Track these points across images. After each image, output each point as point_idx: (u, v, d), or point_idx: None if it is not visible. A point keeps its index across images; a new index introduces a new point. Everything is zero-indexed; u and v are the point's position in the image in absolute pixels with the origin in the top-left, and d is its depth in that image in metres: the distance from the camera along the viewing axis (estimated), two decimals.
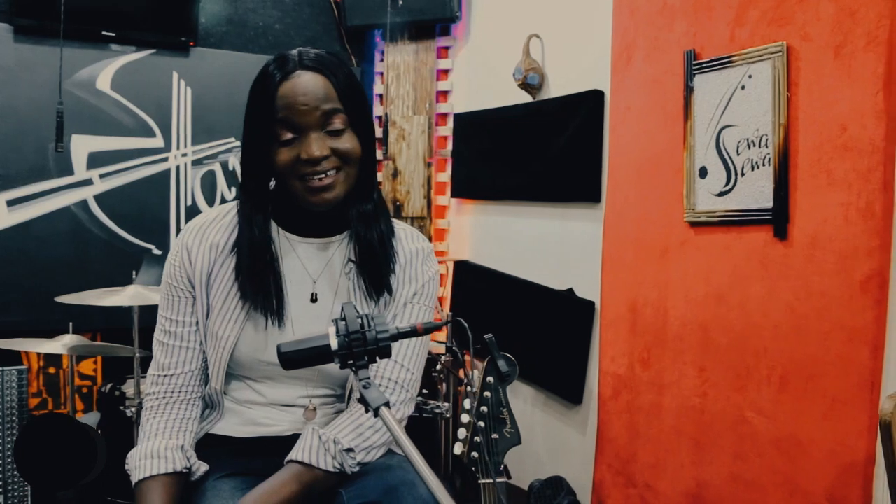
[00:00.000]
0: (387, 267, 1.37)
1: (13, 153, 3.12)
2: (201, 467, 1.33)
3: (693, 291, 2.28)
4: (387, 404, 0.98)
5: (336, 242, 1.40)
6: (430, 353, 2.77)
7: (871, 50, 1.81)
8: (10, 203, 3.13)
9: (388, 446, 1.34)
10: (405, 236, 1.43)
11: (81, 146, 3.26)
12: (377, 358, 1.04)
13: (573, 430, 2.87)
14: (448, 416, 2.72)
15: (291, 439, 1.32)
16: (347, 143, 1.29)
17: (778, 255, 2.03)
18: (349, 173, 1.31)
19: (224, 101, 3.44)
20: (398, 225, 1.45)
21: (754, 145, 2.08)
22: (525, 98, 3.06)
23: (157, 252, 3.39)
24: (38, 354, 3.18)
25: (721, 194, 2.18)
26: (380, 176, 3.74)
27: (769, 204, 2.03)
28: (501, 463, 1.20)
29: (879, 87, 1.79)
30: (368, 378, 1.01)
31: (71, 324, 2.66)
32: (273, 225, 1.39)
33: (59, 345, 2.53)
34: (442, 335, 3.25)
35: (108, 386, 2.73)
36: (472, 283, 3.42)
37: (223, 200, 3.51)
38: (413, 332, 1.05)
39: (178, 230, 3.28)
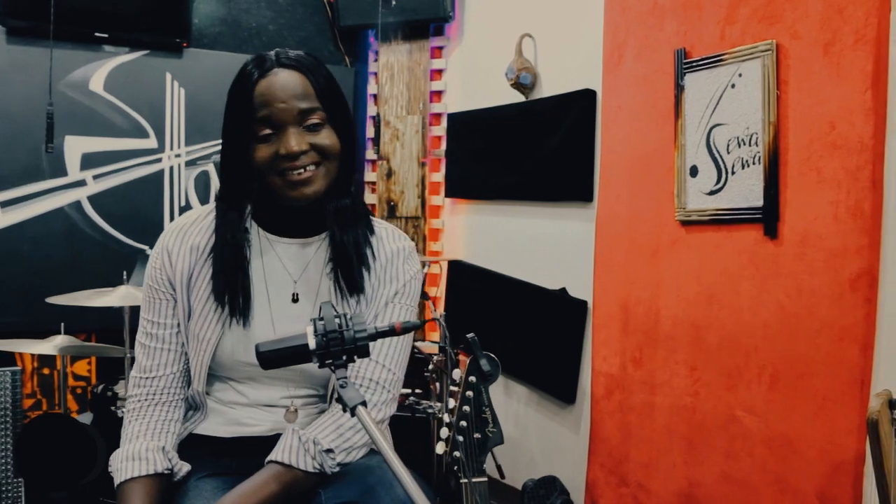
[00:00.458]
0: (360, 269, 1.37)
1: (6, 154, 3.12)
2: (183, 468, 1.33)
3: (684, 290, 2.28)
4: (363, 403, 0.98)
5: (316, 243, 1.40)
6: (422, 352, 2.77)
7: (859, 48, 1.80)
8: (4, 204, 3.13)
9: (369, 446, 1.34)
10: (386, 235, 1.43)
11: (75, 147, 3.25)
12: (355, 357, 1.04)
13: (566, 430, 2.87)
14: (441, 416, 2.72)
15: (274, 439, 1.32)
16: (326, 139, 1.30)
17: (768, 253, 2.02)
18: (328, 169, 1.31)
19: (217, 101, 3.36)
20: (379, 224, 1.44)
21: (744, 144, 2.07)
22: (518, 98, 3.06)
23: (150, 253, 3.39)
24: (33, 355, 3.18)
25: (712, 193, 2.18)
26: (374, 176, 3.74)
27: (759, 203, 2.03)
28: (484, 462, 1.19)
29: (868, 85, 1.79)
30: (346, 377, 1.01)
31: (62, 324, 2.65)
32: (254, 226, 1.39)
33: (50, 345, 2.53)
34: (436, 335, 3.25)
35: (101, 387, 2.73)
36: (466, 282, 3.41)
37: None
38: (391, 332, 1.05)
39: None
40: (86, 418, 2.87)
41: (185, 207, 3.46)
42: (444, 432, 1.20)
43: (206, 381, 1.38)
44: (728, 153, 2.12)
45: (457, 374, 1.21)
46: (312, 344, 1.03)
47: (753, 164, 2.04)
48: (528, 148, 3.00)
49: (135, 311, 2.49)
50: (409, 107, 3.64)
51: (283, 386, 1.37)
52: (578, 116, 2.76)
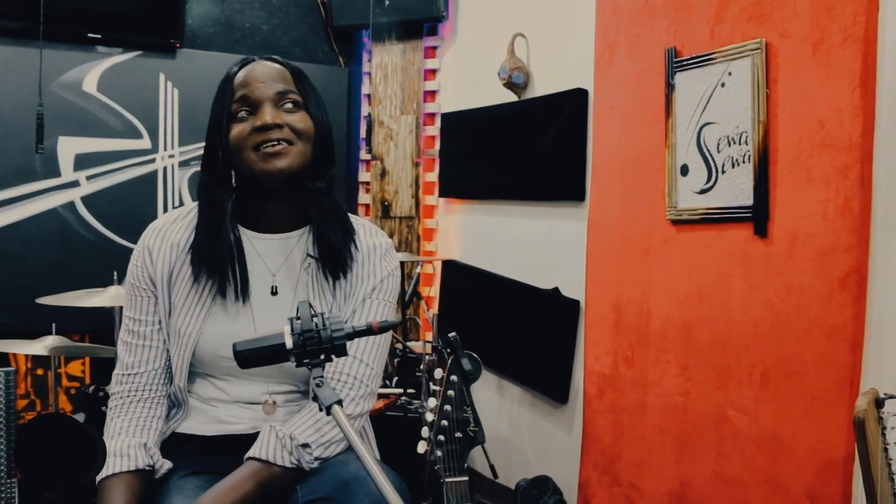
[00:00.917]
0: (346, 248, 1.39)
1: None
2: (164, 465, 1.34)
3: (676, 289, 2.27)
4: (339, 402, 0.98)
5: (295, 237, 1.42)
6: (414, 352, 2.76)
7: (847, 46, 1.80)
8: None
9: (347, 442, 1.34)
10: (364, 232, 1.44)
11: (68, 148, 3.25)
12: (333, 357, 1.04)
13: (559, 430, 2.87)
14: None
15: (254, 437, 1.32)
16: (300, 121, 1.34)
17: (758, 252, 2.02)
18: (302, 150, 1.34)
19: (211, 102, 3.42)
20: (356, 220, 1.46)
21: (734, 143, 2.07)
22: (511, 97, 3.06)
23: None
24: (26, 356, 3.17)
25: (702, 192, 2.17)
26: (368, 176, 3.73)
27: (749, 201, 2.02)
28: (466, 462, 1.19)
29: (856, 84, 1.78)
30: (322, 376, 1.02)
31: (54, 325, 2.65)
32: (234, 222, 1.40)
33: (40, 346, 2.52)
34: (429, 334, 3.24)
35: (92, 387, 2.73)
36: (460, 282, 3.41)
37: None
38: (368, 331, 1.05)
39: None
40: (78, 418, 2.86)
41: (179, 207, 3.45)
42: (426, 431, 1.20)
43: (188, 378, 1.39)
44: (718, 152, 2.12)
45: (438, 373, 1.21)
46: (289, 343, 1.03)
47: (743, 162, 2.04)
48: (521, 147, 3.00)
49: None
50: (403, 107, 3.63)
51: (262, 382, 1.39)
52: (570, 116, 2.75)
